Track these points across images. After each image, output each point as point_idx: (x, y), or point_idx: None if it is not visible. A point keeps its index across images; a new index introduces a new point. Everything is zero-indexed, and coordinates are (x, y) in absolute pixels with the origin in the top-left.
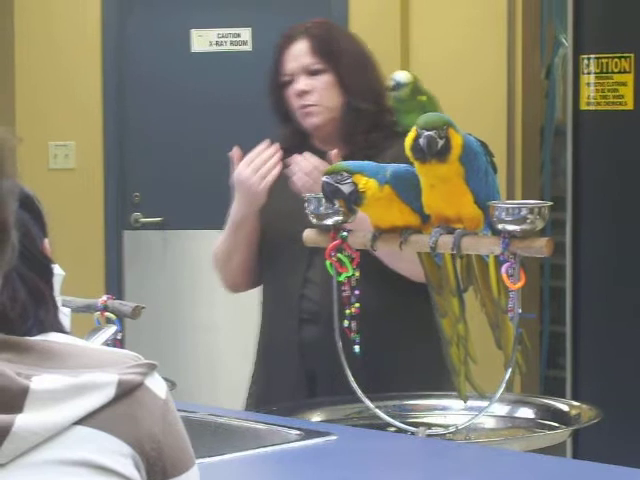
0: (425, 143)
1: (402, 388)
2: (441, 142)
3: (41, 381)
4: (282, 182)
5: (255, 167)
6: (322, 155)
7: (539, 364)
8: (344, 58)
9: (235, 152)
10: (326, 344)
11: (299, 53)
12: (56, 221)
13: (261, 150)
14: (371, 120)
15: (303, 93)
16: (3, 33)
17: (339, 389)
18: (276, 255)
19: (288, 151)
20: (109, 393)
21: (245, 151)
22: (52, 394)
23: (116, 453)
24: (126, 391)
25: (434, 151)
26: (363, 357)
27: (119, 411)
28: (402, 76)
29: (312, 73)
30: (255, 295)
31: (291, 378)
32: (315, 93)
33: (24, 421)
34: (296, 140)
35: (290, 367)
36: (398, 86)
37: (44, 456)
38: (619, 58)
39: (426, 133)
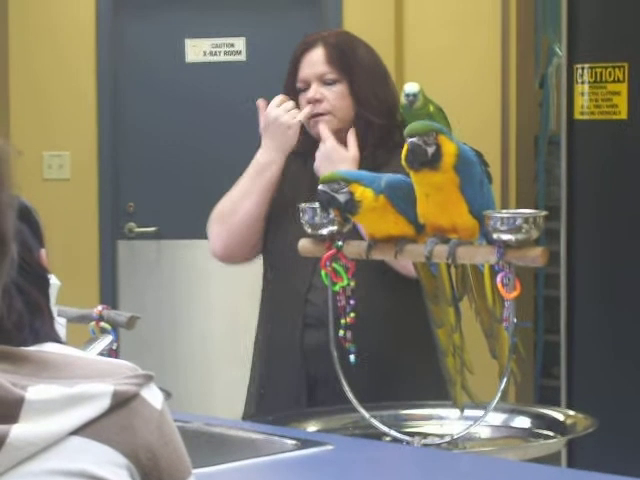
0: (410, 150)
1: (403, 396)
2: (430, 149)
3: (37, 391)
4: (292, 187)
5: (286, 107)
6: None
7: (534, 373)
8: (359, 69)
9: (261, 102)
10: (328, 350)
11: (315, 61)
12: (50, 231)
13: (285, 97)
14: (380, 135)
15: (314, 101)
16: None
17: (340, 395)
18: (282, 257)
19: (298, 156)
20: (104, 403)
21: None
22: (48, 404)
23: (112, 464)
24: (121, 402)
25: (421, 158)
26: (365, 365)
27: (115, 421)
28: (413, 87)
29: (326, 82)
30: (251, 305)
31: (292, 382)
32: (326, 102)
33: (19, 431)
34: (307, 146)
35: (292, 371)
36: (415, 98)
37: (40, 466)
38: (613, 67)
39: (409, 140)
